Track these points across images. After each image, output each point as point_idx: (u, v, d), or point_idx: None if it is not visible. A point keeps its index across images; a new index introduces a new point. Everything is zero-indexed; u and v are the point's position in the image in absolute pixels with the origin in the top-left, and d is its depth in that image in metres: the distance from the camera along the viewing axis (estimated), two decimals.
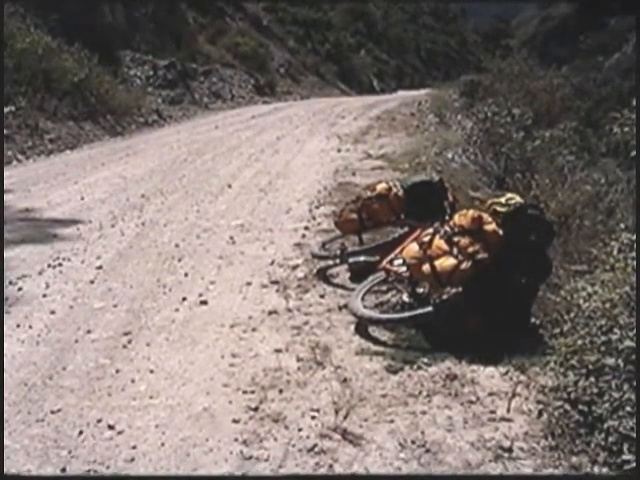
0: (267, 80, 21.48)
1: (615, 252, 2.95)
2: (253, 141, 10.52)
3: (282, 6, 28.88)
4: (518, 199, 3.53)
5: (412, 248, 3.44)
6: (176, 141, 10.35)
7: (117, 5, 15.24)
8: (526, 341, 3.18)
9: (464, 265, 3.20)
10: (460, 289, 3.23)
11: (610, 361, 2.40)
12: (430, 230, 3.48)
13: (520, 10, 43.32)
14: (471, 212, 3.38)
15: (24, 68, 10.03)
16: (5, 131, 8.73)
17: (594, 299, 2.69)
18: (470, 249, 3.22)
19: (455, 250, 3.26)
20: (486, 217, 3.34)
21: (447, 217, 3.67)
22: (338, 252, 4.38)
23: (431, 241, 3.36)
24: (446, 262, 3.23)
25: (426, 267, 3.28)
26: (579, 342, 2.57)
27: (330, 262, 4.43)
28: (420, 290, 3.54)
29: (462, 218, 3.37)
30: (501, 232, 3.28)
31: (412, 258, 3.38)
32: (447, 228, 3.39)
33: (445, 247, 3.29)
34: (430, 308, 3.28)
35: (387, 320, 3.46)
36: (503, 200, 3.49)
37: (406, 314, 3.41)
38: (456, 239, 3.29)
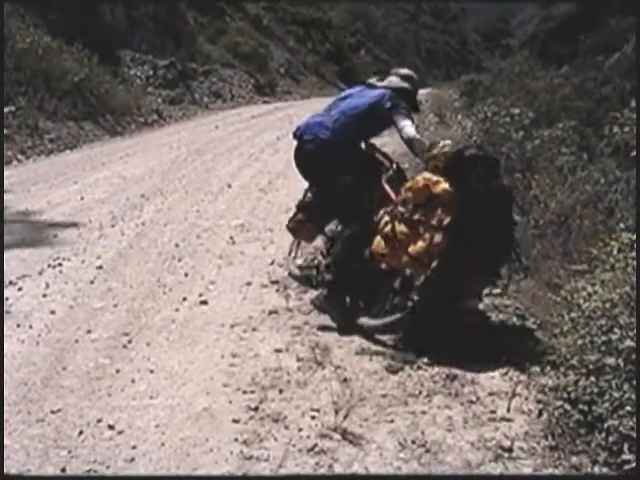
0: (267, 80, 21.48)
1: (615, 252, 2.94)
2: (253, 141, 10.52)
3: (282, 6, 28.85)
4: (448, 142, 3.33)
5: (379, 244, 3.29)
6: (176, 141, 10.35)
7: (117, 5, 15.22)
8: (526, 341, 3.19)
9: (437, 238, 3.05)
10: (436, 263, 3.07)
11: (610, 361, 2.39)
12: (386, 218, 3.30)
13: (520, 10, 43.25)
14: (416, 182, 3.21)
15: (24, 68, 10.02)
16: (5, 131, 8.72)
17: (594, 299, 2.69)
18: (434, 221, 3.06)
19: (421, 229, 3.11)
20: (431, 179, 3.15)
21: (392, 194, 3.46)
22: None
23: (393, 229, 3.22)
24: (418, 244, 3.09)
25: (404, 258, 3.16)
26: (579, 342, 2.57)
27: None
28: (407, 274, 3.39)
29: (410, 193, 3.20)
30: (451, 189, 3.08)
31: (385, 255, 3.26)
32: (401, 209, 3.22)
33: (408, 230, 3.14)
34: (411, 303, 3.19)
35: (382, 325, 3.39)
36: (436, 151, 3.27)
37: (397, 315, 3.31)
38: (416, 217, 3.13)
